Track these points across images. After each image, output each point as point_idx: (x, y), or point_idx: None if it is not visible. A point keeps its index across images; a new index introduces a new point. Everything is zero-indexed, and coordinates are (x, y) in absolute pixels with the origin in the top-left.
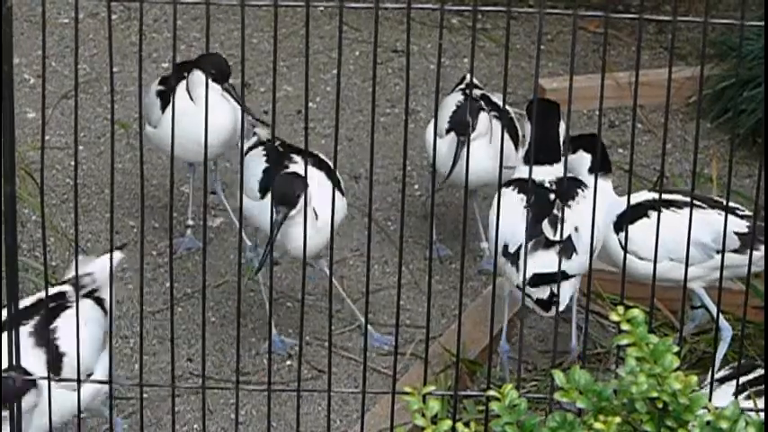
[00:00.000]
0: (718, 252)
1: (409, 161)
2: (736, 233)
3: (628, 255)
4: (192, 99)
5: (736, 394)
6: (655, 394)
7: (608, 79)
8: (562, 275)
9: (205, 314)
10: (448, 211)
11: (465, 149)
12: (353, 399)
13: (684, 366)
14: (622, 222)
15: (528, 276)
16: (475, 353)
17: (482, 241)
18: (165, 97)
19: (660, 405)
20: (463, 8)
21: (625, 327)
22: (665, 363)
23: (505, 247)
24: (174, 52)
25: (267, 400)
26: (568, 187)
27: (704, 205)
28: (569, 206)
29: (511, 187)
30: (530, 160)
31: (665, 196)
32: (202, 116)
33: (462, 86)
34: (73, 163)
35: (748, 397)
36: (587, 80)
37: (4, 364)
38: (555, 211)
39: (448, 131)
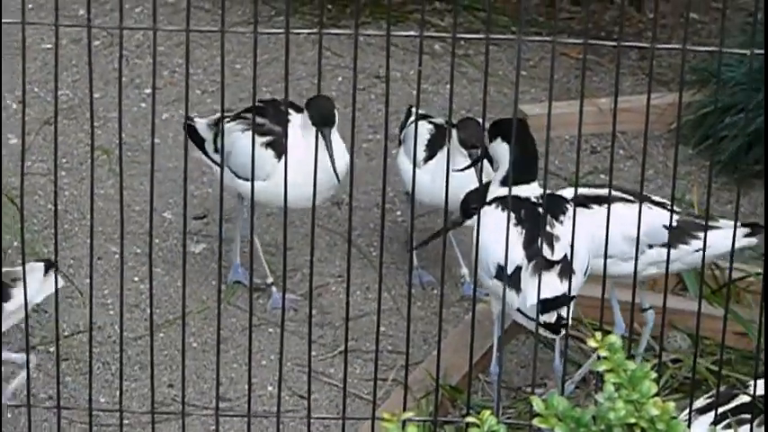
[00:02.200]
0: (650, 247)
1: (392, 187)
2: (665, 227)
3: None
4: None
5: (714, 423)
6: (633, 420)
7: (590, 105)
8: (566, 298)
9: (186, 340)
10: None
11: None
12: (334, 425)
13: (665, 393)
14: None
15: (534, 302)
16: (456, 379)
17: (462, 267)
18: (277, 148)
19: (638, 431)
20: (443, 35)
21: (603, 353)
22: (643, 389)
23: (500, 269)
24: (154, 78)
25: (247, 426)
26: (555, 204)
27: (633, 199)
28: (561, 222)
29: (494, 205)
30: (508, 181)
31: (591, 192)
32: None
33: (413, 119)
34: (54, 189)
35: (728, 426)
36: (569, 106)
37: None
38: (548, 229)
39: (427, 159)
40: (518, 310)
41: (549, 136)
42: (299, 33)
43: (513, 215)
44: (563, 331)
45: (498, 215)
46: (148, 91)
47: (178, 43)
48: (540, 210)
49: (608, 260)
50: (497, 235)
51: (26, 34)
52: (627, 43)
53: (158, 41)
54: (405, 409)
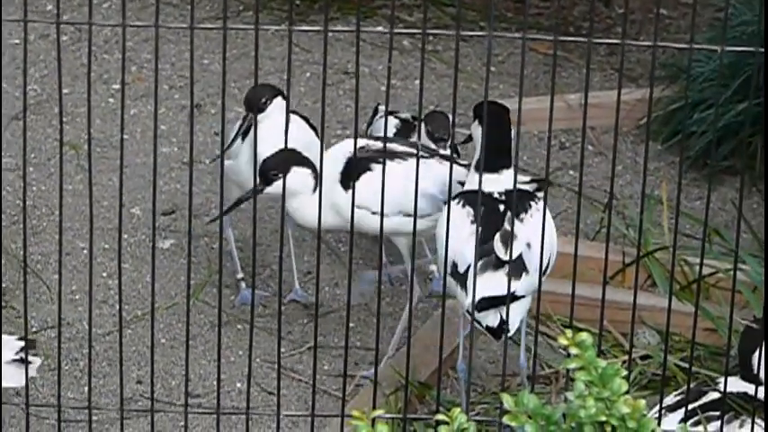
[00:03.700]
0: (445, 203)
1: None
2: (461, 183)
3: (360, 211)
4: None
5: (684, 419)
6: (603, 418)
7: (559, 101)
8: (512, 297)
9: (155, 336)
10: None
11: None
12: (303, 421)
13: (634, 389)
14: (349, 178)
15: (476, 300)
16: (425, 375)
17: (431, 263)
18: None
19: (609, 429)
20: (413, 31)
21: (574, 350)
22: (614, 387)
23: (454, 266)
24: (123, 74)
25: (216, 423)
26: (519, 198)
27: (426, 155)
28: (521, 220)
29: (456, 200)
30: (480, 167)
31: (383, 146)
32: None
33: (380, 115)
34: (22, 184)
35: (698, 423)
36: (538, 102)
37: None
38: (506, 226)
39: None
40: (467, 311)
41: (519, 131)
42: (268, 29)
43: (472, 211)
44: (503, 336)
45: (459, 211)
46: (117, 86)
47: (146, 38)
48: (501, 206)
49: (406, 218)
50: (454, 232)
51: None
52: (597, 39)
53: (126, 37)
54: (374, 407)
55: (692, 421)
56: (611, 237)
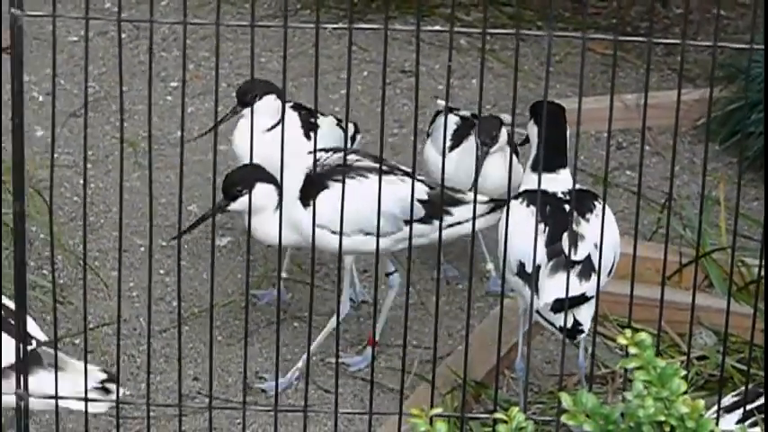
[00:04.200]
0: (406, 222)
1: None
2: (420, 201)
3: (320, 230)
4: None
5: (742, 420)
6: (662, 418)
7: (616, 101)
8: (583, 299)
9: (213, 333)
10: None
11: (483, 159)
12: (359, 419)
13: (690, 390)
14: (308, 196)
15: (549, 302)
16: (481, 374)
17: (487, 262)
18: None
19: (667, 429)
20: (472, 30)
21: (633, 350)
22: (673, 386)
23: (521, 266)
24: (184, 71)
25: (274, 420)
26: (583, 199)
27: (387, 170)
28: (587, 220)
29: (519, 200)
30: (538, 166)
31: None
32: None
33: (439, 110)
34: (80, 181)
35: (755, 423)
36: (595, 102)
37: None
38: (573, 227)
39: (452, 149)
40: (536, 311)
41: (579, 132)
42: (329, 27)
43: (536, 210)
44: (579, 337)
45: (523, 210)
46: (174, 84)
47: (204, 36)
48: (567, 206)
49: (366, 237)
50: (520, 231)
51: (51, 28)
52: (657, 39)
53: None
54: (432, 405)
55: (749, 422)
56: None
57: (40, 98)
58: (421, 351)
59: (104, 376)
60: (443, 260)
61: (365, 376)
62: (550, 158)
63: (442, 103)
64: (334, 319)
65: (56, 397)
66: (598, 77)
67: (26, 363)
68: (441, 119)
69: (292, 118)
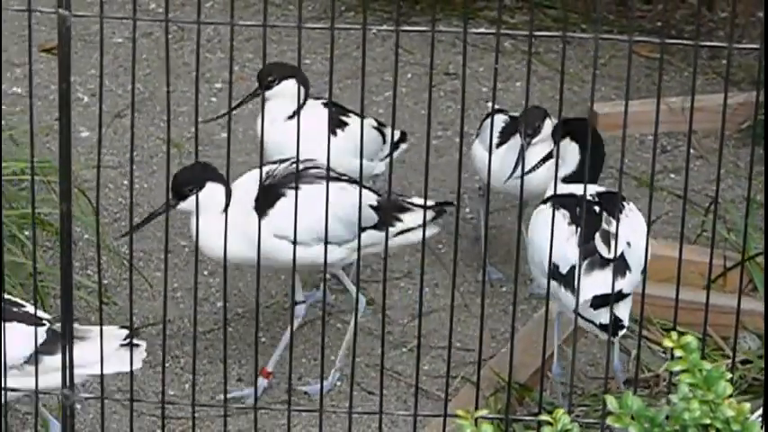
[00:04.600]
0: (362, 229)
1: (461, 184)
2: (372, 207)
3: (278, 240)
4: None
5: None
6: (707, 421)
7: (661, 104)
8: (620, 295)
9: (258, 334)
10: (499, 234)
11: (524, 151)
12: (402, 421)
13: (735, 393)
14: (264, 206)
15: (588, 298)
16: (524, 377)
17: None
18: None
19: None
20: (519, 33)
21: (678, 353)
22: (719, 389)
23: (555, 268)
24: (231, 72)
25: (319, 421)
26: (611, 200)
27: (335, 176)
28: (618, 220)
29: (547, 204)
30: (571, 178)
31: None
32: None
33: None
34: (125, 182)
35: None
36: (640, 105)
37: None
38: (605, 226)
39: (499, 145)
40: (575, 311)
41: (625, 134)
42: (375, 29)
43: (567, 213)
44: (620, 333)
45: (552, 214)
46: (218, 85)
47: (248, 38)
48: (597, 208)
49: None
50: (550, 234)
51: (95, 28)
52: (704, 43)
53: (228, 36)
54: (477, 407)
55: None
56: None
57: (85, 99)
58: (464, 353)
59: (125, 332)
60: (488, 262)
61: (408, 379)
62: (593, 173)
63: (491, 105)
64: (352, 323)
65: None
66: (642, 80)
67: (72, 360)
68: (488, 120)
69: (321, 113)
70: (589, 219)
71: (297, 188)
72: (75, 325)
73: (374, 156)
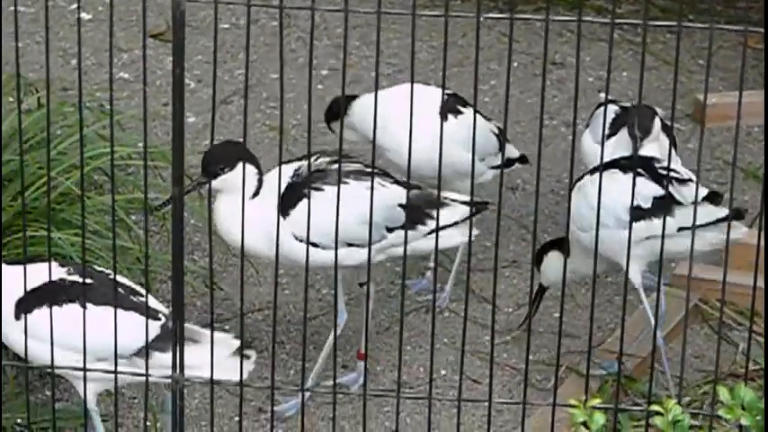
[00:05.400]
0: (389, 230)
1: (567, 173)
2: (402, 206)
3: (297, 243)
4: None
5: None
6: None
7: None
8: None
9: (368, 322)
10: None
11: (636, 153)
12: (507, 410)
13: None
14: (288, 206)
15: (704, 195)
16: (630, 367)
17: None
18: None
19: None
20: (633, 22)
21: None
22: None
23: (637, 208)
24: (345, 59)
25: (428, 409)
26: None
27: (368, 171)
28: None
29: (611, 170)
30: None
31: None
32: None
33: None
34: None
35: None
36: (747, 96)
37: (166, 369)
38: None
39: (609, 137)
40: (680, 229)
41: (738, 125)
42: (489, 17)
43: (630, 172)
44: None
45: (613, 172)
46: (325, 72)
47: (355, 26)
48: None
49: (350, 249)
50: (619, 186)
51: (202, 15)
52: None
53: (335, 24)
54: (586, 397)
55: None
56: None
57: (192, 84)
58: (568, 343)
59: (237, 343)
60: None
61: (516, 366)
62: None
63: (603, 96)
64: (331, 337)
65: (211, 381)
66: (749, 71)
67: (182, 346)
68: (601, 109)
69: (434, 95)
70: (655, 171)
71: (319, 189)
72: (188, 325)
73: (486, 156)
